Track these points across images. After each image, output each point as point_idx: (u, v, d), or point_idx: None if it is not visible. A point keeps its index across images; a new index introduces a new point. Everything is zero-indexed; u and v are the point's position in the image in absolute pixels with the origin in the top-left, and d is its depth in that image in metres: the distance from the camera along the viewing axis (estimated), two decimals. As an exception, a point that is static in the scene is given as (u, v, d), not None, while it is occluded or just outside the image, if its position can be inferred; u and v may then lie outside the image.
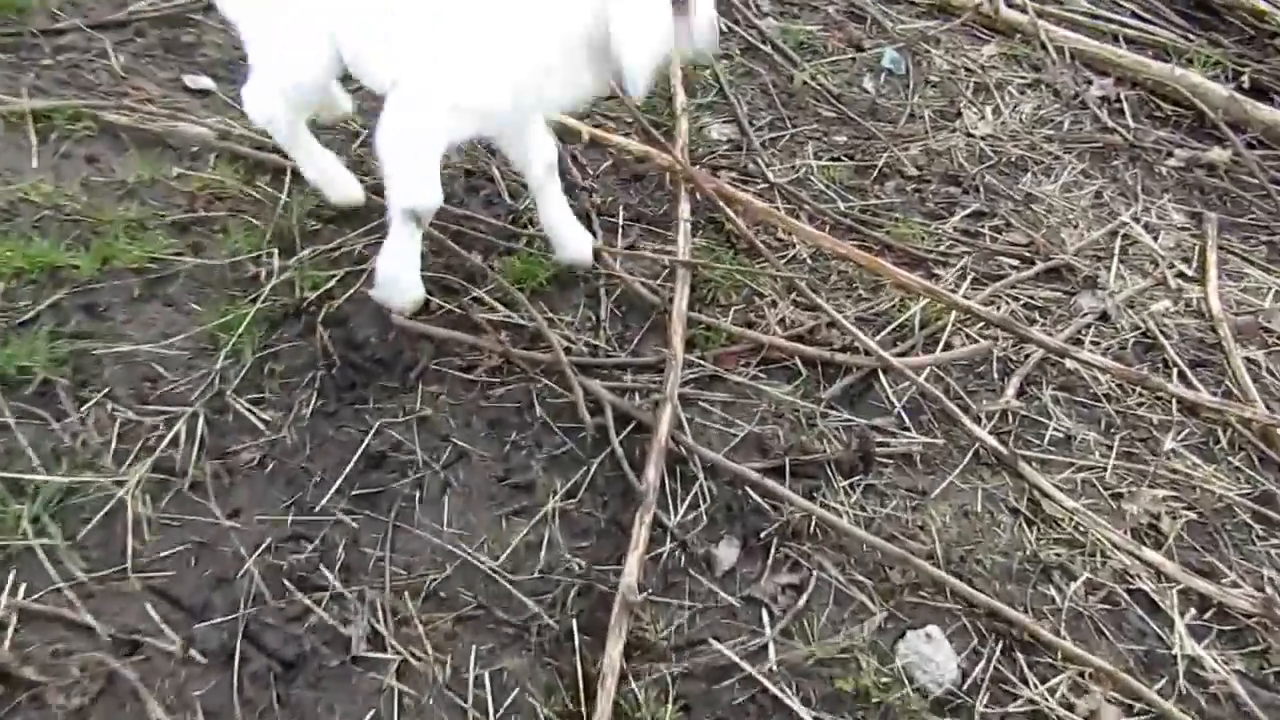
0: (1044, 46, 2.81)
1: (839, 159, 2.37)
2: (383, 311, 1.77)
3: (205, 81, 2.39)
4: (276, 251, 1.89)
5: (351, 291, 1.84)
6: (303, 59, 1.70)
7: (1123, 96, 2.69)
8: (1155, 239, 2.21)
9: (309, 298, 1.79)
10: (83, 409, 1.54)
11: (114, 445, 1.49)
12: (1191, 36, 2.92)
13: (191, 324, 1.74)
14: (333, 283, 1.84)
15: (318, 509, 1.48)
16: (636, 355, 1.76)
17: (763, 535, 1.51)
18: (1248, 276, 2.15)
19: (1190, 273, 2.13)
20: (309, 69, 1.71)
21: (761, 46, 2.76)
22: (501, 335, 1.75)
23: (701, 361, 1.74)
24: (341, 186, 1.93)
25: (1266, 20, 2.74)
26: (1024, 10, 2.93)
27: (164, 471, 1.47)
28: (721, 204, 2.00)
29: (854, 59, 2.78)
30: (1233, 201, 2.38)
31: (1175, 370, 1.87)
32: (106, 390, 1.55)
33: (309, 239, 1.96)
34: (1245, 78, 2.75)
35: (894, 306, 1.92)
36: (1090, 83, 2.74)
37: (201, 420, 1.54)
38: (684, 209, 1.99)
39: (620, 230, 2.02)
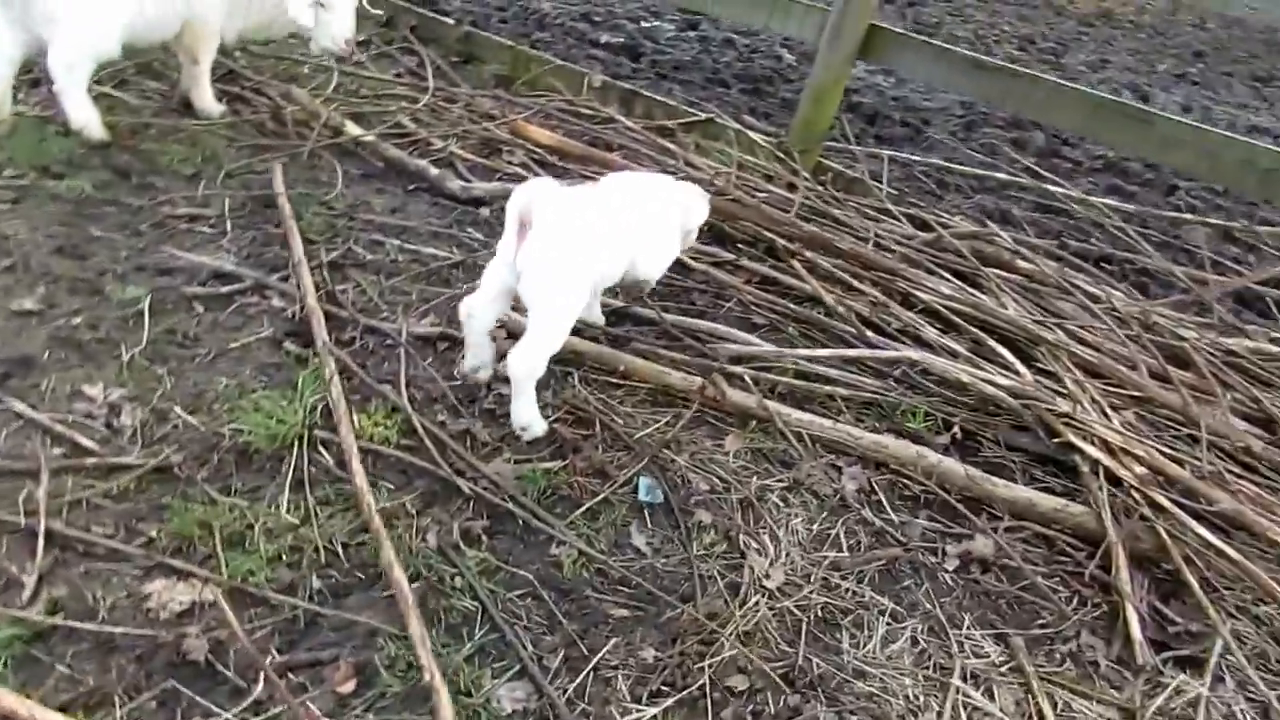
0: (784, 435, 2.72)
1: (659, 693, 1.98)
2: None
3: None
4: None
5: None
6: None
7: (874, 484, 2.66)
8: (991, 697, 2.12)
9: None
10: None
11: None
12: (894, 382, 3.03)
13: None
14: None
15: None
16: None
17: None
18: (1078, 715, 2.13)
19: (1040, 735, 2.05)
20: None
21: (510, 509, 2.32)
22: None
23: None
24: None
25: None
26: (747, 389, 2.84)
27: None
28: None
29: (608, 499, 2.45)
30: (1020, 606, 2.39)
31: None
32: None
33: None
34: (956, 429, 2.89)
35: None
36: (840, 471, 2.68)
37: None
38: None
39: None
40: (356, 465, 2.30)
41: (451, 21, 5.41)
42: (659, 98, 4.93)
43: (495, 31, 5.94)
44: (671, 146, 4.24)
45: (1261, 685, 2.20)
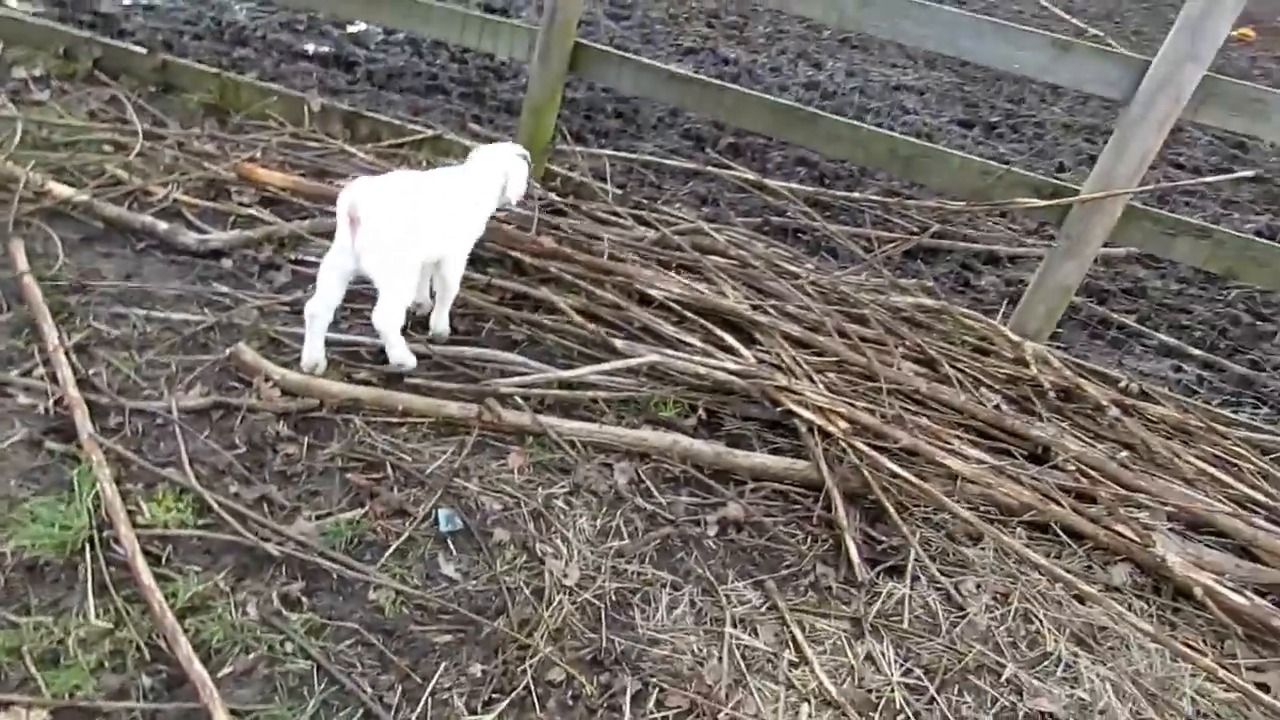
0: (559, 445, 3.07)
1: (491, 701, 2.28)
2: None
3: None
4: None
5: None
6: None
7: (640, 474, 3.09)
8: (756, 635, 2.63)
9: None
10: None
11: None
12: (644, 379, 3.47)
13: None
14: None
15: None
16: None
17: None
18: (821, 632, 2.70)
19: (794, 657, 2.59)
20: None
21: (323, 565, 2.49)
22: None
23: None
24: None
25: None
26: (520, 408, 3.15)
27: None
28: None
29: (412, 537, 2.68)
30: (769, 555, 2.92)
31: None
32: None
33: None
34: (701, 411, 3.38)
35: None
36: (612, 468, 3.08)
37: None
38: None
39: None
40: (141, 564, 2.33)
41: (144, 50, 5.10)
42: (383, 117, 5.00)
43: (191, 52, 5.66)
44: (403, 171, 4.37)
45: (942, 577, 2.90)
